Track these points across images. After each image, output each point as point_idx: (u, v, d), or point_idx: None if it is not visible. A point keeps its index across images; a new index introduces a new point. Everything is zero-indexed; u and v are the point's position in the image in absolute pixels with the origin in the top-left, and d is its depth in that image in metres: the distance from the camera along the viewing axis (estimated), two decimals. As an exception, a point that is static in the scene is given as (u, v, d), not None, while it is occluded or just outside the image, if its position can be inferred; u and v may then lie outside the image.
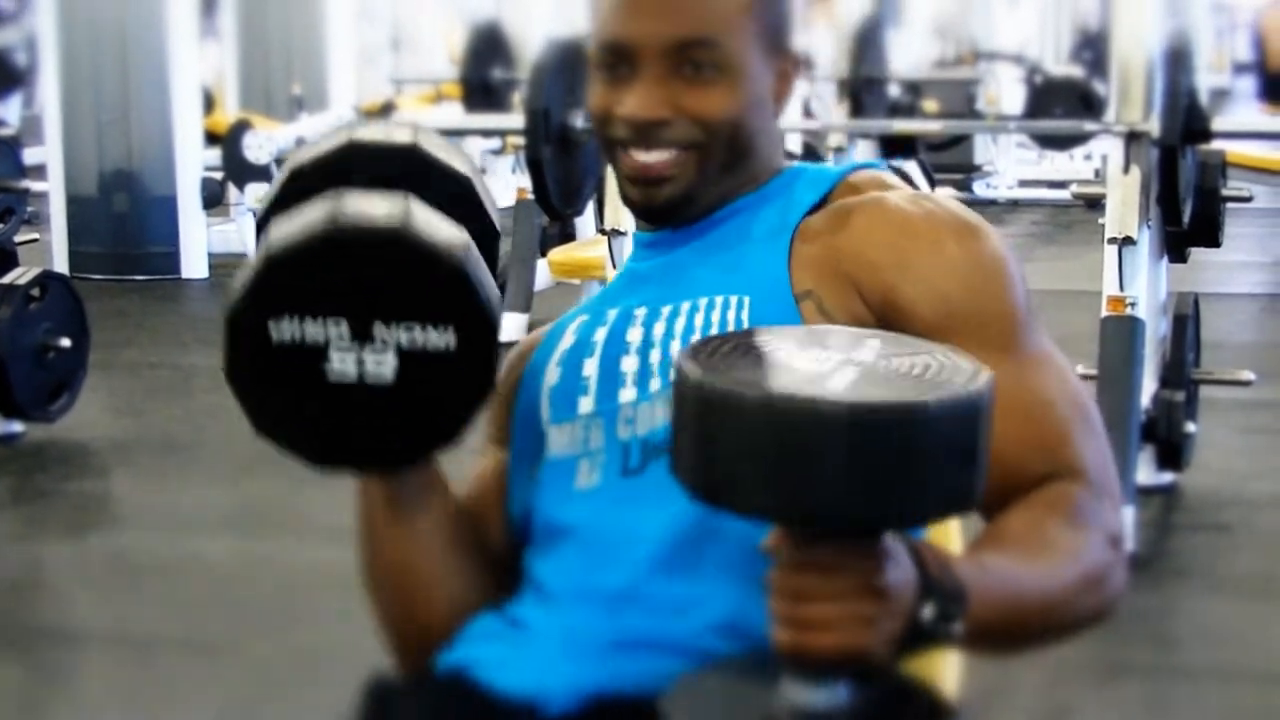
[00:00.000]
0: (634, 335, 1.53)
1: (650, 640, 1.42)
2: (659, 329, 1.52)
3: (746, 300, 1.49)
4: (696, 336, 1.47)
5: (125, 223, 8.37)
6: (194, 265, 8.38)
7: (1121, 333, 4.19)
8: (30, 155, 6.65)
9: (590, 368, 1.53)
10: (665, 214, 1.56)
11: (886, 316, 1.46)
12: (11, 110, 11.90)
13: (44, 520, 4.53)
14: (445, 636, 1.52)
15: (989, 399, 1.20)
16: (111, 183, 8.40)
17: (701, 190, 1.54)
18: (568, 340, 1.57)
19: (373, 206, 1.40)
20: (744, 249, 1.54)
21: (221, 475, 4.81)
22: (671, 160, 1.52)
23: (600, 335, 1.55)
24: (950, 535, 1.57)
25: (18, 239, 5.40)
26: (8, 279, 5.06)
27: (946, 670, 1.50)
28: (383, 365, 1.39)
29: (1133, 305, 4.20)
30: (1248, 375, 4.74)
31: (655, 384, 1.49)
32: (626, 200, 1.57)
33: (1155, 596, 3.80)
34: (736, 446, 1.18)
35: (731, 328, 1.47)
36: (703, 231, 1.57)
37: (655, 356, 1.50)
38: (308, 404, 1.40)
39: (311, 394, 1.39)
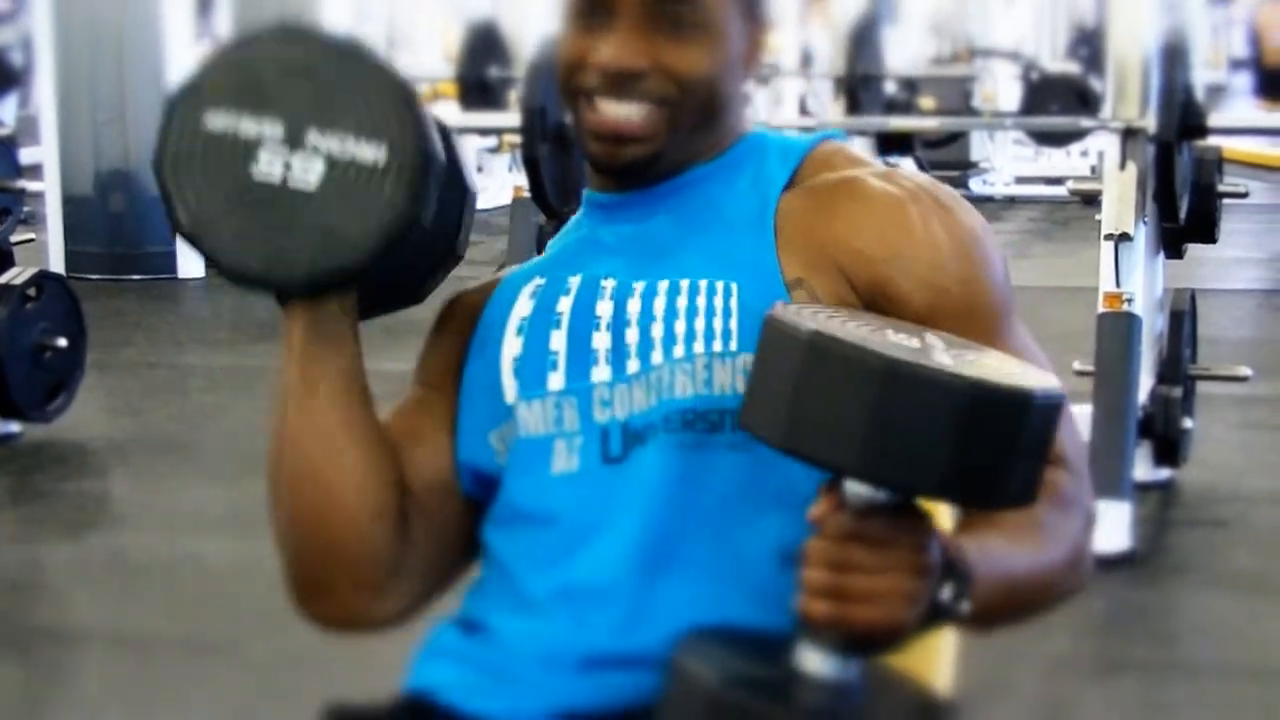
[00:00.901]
0: (604, 309, 1.48)
1: (626, 655, 1.40)
2: (634, 306, 1.48)
3: (735, 287, 1.45)
4: (681, 322, 1.45)
5: (122, 222, 8.37)
6: (191, 265, 8.37)
7: (1118, 329, 4.19)
8: (26, 155, 6.65)
9: (558, 341, 1.49)
10: (629, 173, 1.51)
11: (876, 304, 1.45)
12: (8, 110, 11.89)
13: (42, 520, 4.53)
14: (349, 558, 1.48)
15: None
16: (108, 182, 8.40)
17: (669, 151, 1.49)
18: (524, 305, 1.52)
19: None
20: (724, 231, 1.50)
21: (219, 475, 4.80)
22: (642, 120, 1.46)
23: (565, 305, 1.50)
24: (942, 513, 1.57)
25: (14, 239, 5.39)
26: (4, 279, 5.05)
27: (943, 664, 1.50)
28: (309, 172, 1.40)
29: (1129, 301, 4.20)
30: (1245, 371, 4.75)
31: (633, 365, 1.46)
32: (589, 156, 1.51)
33: (1153, 592, 3.81)
34: (846, 402, 1.20)
35: (719, 314, 1.44)
36: (668, 199, 1.52)
37: (632, 336, 1.47)
38: (229, 200, 1.41)
39: (234, 190, 1.40)
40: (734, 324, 1.43)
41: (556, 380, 1.47)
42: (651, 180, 1.52)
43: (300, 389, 1.48)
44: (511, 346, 1.50)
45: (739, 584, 1.42)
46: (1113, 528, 3.81)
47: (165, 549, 4.18)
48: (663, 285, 1.48)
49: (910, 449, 1.20)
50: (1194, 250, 4.72)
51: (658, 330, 1.46)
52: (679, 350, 1.44)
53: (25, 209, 5.66)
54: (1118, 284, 4.21)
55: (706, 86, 1.48)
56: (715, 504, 1.42)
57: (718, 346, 1.43)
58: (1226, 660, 3.44)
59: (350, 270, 1.41)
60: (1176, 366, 4.46)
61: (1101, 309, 4.22)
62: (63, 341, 5.12)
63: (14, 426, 5.15)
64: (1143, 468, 4.40)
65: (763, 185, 1.52)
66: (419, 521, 1.52)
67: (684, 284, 1.47)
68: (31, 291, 5.08)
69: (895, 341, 1.26)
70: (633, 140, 1.47)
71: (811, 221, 1.48)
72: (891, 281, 1.45)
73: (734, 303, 1.45)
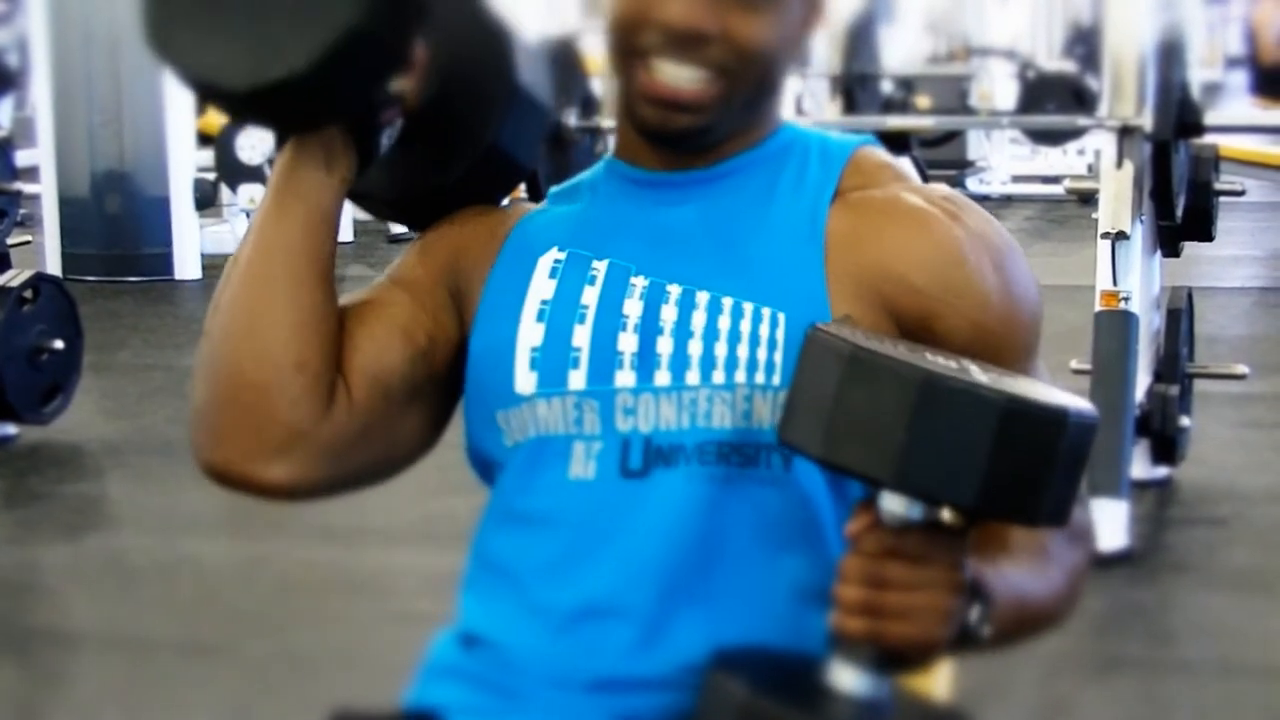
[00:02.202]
0: (632, 309, 1.43)
1: (639, 678, 1.38)
2: (668, 314, 1.42)
3: (781, 317, 1.40)
4: (722, 345, 1.40)
5: (118, 224, 8.36)
6: (187, 266, 8.37)
7: (1115, 327, 4.19)
8: (23, 157, 6.65)
9: (581, 337, 1.43)
10: (677, 143, 1.45)
11: (916, 336, 1.42)
12: (3, 112, 11.89)
13: (39, 522, 4.52)
14: (257, 403, 1.42)
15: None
16: (104, 184, 8.39)
17: (719, 125, 1.44)
18: (543, 285, 1.47)
19: None
20: (770, 241, 1.44)
21: (216, 476, 4.79)
22: (699, 87, 1.40)
23: (590, 298, 1.45)
24: None
25: (10, 241, 5.40)
26: (0, 281, 5.05)
27: (941, 665, 1.50)
28: None
29: (1126, 300, 4.20)
30: (1242, 369, 4.75)
31: (663, 378, 1.41)
32: (637, 121, 1.45)
33: (1151, 591, 3.80)
34: (886, 415, 1.22)
35: (764, 345, 1.40)
36: (707, 186, 1.47)
37: (665, 347, 1.42)
38: (194, 6, 1.40)
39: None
40: (779, 357, 1.39)
41: (577, 379, 1.43)
42: (694, 160, 1.47)
43: (264, 222, 1.46)
44: (530, 334, 1.45)
45: (759, 619, 1.40)
46: (1110, 526, 3.81)
47: (162, 551, 4.18)
48: (702, 298, 1.43)
49: (947, 461, 1.21)
50: (1191, 248, 4.72)
51: (695, 348, 1.41)
52: (718, 376, 1.40)
53: (21, 211, 5.66)
54: (1115, 282, 4.21)
55: (765, 60, 1.42)
56: (742, 537, 1.40)
57: (760, 378, 1.40)
58: (1224, 658, 3.44)
59: (287, 83, 1.37)
60: (1174, 365, 4.46)
61: (1099, 307, 4.22)
62: (59, 343, 5.12)
63: (10, 429, 5.14)
64: (1140, 466, 4.40)
65: (808, 192, 1.47)
66: (342, 403, 1.45)
67: (726, 303, 1.42)
68: (28, 294, 5.08)
69: (934, 360, 1.27)
70: (687, 108, 1.41)
71: (860, 244, 1.43)
72: (939, 318, 1.42)
73: (780, 334, 1.40)
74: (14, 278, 5.08)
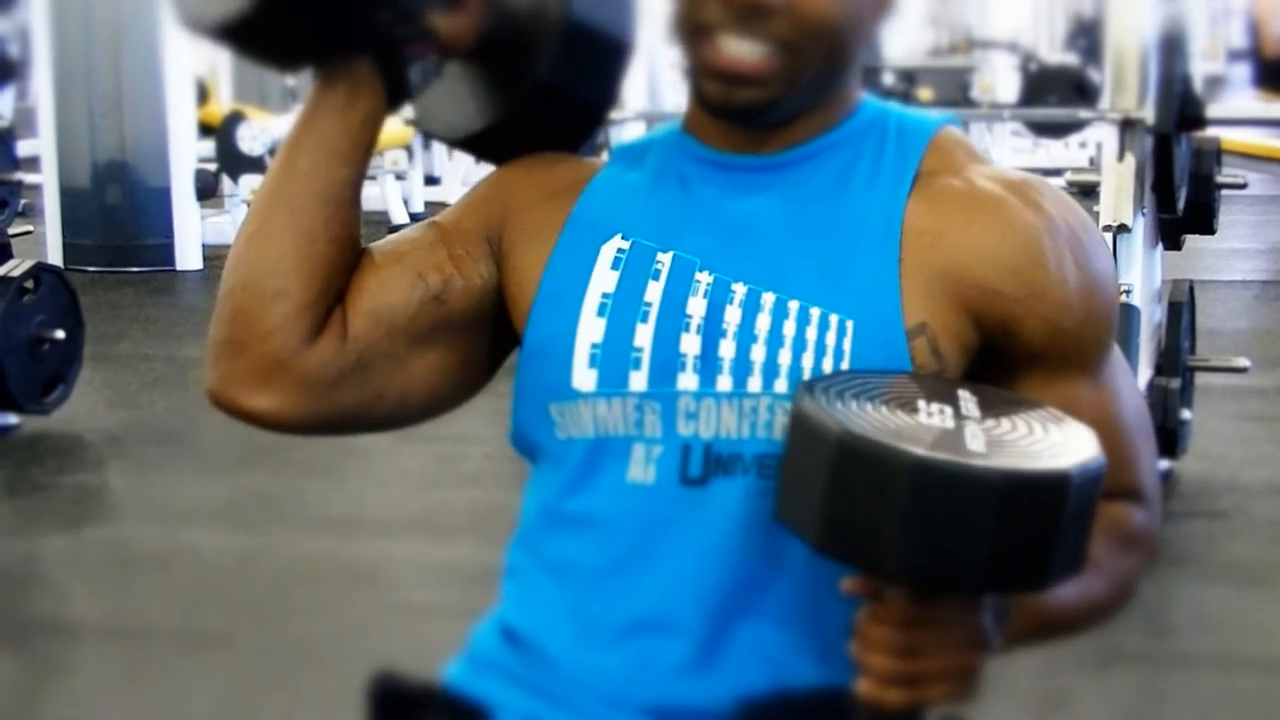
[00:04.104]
0: (695, 308, 1.40)
1: (692, 708, 1.36)
2: (732, 315, 1.39)
3: (850, 326, 1.36)
4: (786, 352, 1.36)
5: (119, 215, 8.36)
6: (188, 257, 8.37)
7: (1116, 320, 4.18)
8: (24, 148, 6.65)
9: (643, 337, 1.40)
10: (743, 117, 1.41)
11: (995, 339, 1.39)
12: (5, 103, 11.89)
13: (39, 513, 4.53)
14: (245, 329, 1.43)
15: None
16: (105, 175, 8.39)
17: (786, 101, 1.39)
18: (605, 277, 1.43)
19: None
20: (841, 240, 1.40)
21: (216, 467, 4.80)
22: (762, 60, 1.36)
23: (653, 294, 1.41)
24: None
25: (11, 231, 5.40)
26: (1, 271, 5.05)
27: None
28: None
29: (1128, 293, 4.20)
30: (1243, 362, 4.75)
31: (725, 383, 1.37)
32: (702, 97, 1.41)
33: (1151, 584, 3.77)
34: (878, 504, 1.17)
35: (830, 355, 1.35)
36: (780, 174, 1.43)
37: (727, 350, 1.38)
38: None
39: None
40: (845, 367, 1.35)
41: (639, 380, 1.39)
42: (765, 142, 1.43)
43: (280, 152, 1.48)
44: (590, 329, 1.41)
45: (813, 639, 1.38)
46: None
47: (162, 541, 4.18)
48: (767, 300, 1.39)
49: (949, 548, 1.17)
50: (1192, 241, 4.72)
51: (758, 353, 1.37)
52: (780, 385, 1.36)
53: (23, 201, 5.66)
54: (1116, 275, 4.21)
55: (832, 35, 1.38)
56: (799, 554, 1.35)
57: None
58: (1224, 651, 3.44)
59: (241, 19, 1.38)
60: (1175, 358, 4.45)
61: (1100, 300, 4.22)
62: (60, 334, 5.12)
63: (11, 419, 5.15)
64: (1141, 459, 4.40)
65: (885, 180, 1.42)
66: (333, 336, 1.45)
67: (793, 306, 1.38)
68: (29, 284, 5.08)
69: (927, 425, 1.22)
70: (750, 81, 1.37)
71: (939, 243, 1.39)
72: (1020, 322, 1.39)
73: (847, 344, 1.36)
74: (15, 268, 5.08)
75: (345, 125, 1.45)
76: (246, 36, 1.43)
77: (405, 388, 1.48)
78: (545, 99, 1.50)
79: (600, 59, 1.53)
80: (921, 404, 1.25)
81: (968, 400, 1.28)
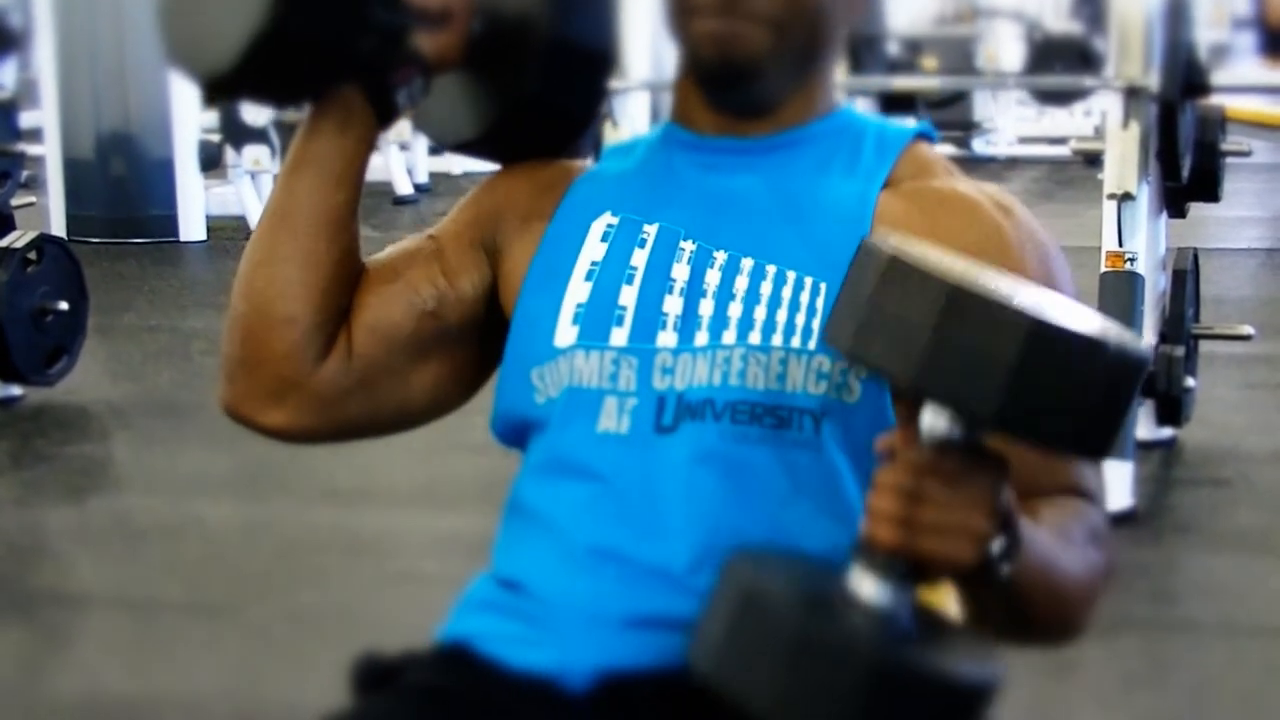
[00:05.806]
0: (680, 273, 1.46)
1: (674, 617, 1.37)
2: (712, 278, 1.45)
3: (824, 287, 1.43)
4: (762, 308, 1.43)
5: (123, 186, 8.36)
6: (192, 228, 8.37)
7: (1121, 288, 4.18)
8: (27, 119, 6.65)
9: (628, 297, 1.46)
10: (731, 85, 1.48)
11: None
12: (7, 73, 11.87)
13: (44, 484, 4.53)
14: (253, 352, 1.53)
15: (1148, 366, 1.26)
16: (109, 146, 8.39)
17: (773, 69, 1.46)
18: (595, 248, 1.50)
19: None
20: (818, 217, 1.47)
21: (221, 438, 4.77)
22: (747, 32, 1.44)
23: (640, 260, 1.48)
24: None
25: (15, 203, 5.39)
26: (4, 242, 5.05)
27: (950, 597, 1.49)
28: None
29: (1132, 261, 4.20)
30: (1247, 330, 4.74)
31: (702, 338, 1.43)
32: (697, 65, 1.49)
33: (1155, 551, 3.81)
34: (914, 316, 1.21)
35: (804, 310, 1.42)
36: (762, 157, 1.50)
37: (706, 309, 1.44)
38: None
39: None
40: (816, 324, 1.42)
41: (619, 336, 1.45)
42: (749, 126, 1.50)
43: (279, 182, 1.55)
44: (577, 291, 1.48)
45: None
46: (1115, 486, 3.81)
47: (167, 512, 4.19)
48: (746, 264, 1.46)
49: (971, 372, 1.20)
50: (1197, 209, 4.71)
51: (735, 310, 1.44)
52: (754, 338, 1.42)
53: (26, 173, 5.65)
54: (1120, 243, 4.20)
55: (813, 13, 1.46)
56: (776, 499, 1.41)
57: (796, 343, 1.41)
58: (1228, 618, 3.45)
59: (230, 71, 1.45)
60: (1179, 326, 4.45)
61: (1104, 268, 4.22)
62: (64, 305, 5.12)
63: (15, 390, 5.15)
64: (1145, 427, 4.40)
65: (860, 175, 1.50)
66: (340, 355, 1.53)
67: (770, 269, 1.45)
68: (32, 255, 5.08)
69: (995, 281, 1.25)
70: (738, 51, 1.45)
71: (909, 227, 1.45)
72: None
73: (820, 302, 1.43)
74: (18, 239, 5.08)
75: (340, 149, 1.52)
76: (237, 85, 1.51)
77: (406, 398, 1.58)
78: (531, 110, 1.59)
79: (584, 71, 1.61)
80: (985, 274, 1.28)
81: (1045, 293, 1.32)
